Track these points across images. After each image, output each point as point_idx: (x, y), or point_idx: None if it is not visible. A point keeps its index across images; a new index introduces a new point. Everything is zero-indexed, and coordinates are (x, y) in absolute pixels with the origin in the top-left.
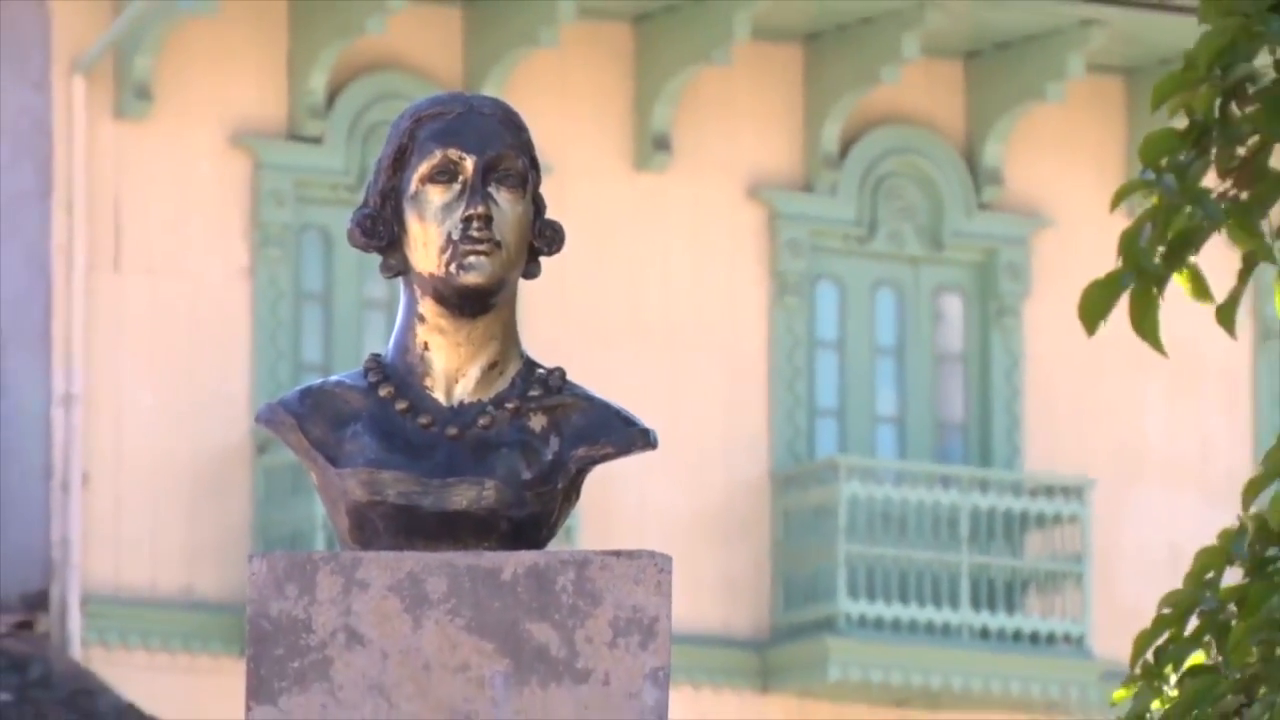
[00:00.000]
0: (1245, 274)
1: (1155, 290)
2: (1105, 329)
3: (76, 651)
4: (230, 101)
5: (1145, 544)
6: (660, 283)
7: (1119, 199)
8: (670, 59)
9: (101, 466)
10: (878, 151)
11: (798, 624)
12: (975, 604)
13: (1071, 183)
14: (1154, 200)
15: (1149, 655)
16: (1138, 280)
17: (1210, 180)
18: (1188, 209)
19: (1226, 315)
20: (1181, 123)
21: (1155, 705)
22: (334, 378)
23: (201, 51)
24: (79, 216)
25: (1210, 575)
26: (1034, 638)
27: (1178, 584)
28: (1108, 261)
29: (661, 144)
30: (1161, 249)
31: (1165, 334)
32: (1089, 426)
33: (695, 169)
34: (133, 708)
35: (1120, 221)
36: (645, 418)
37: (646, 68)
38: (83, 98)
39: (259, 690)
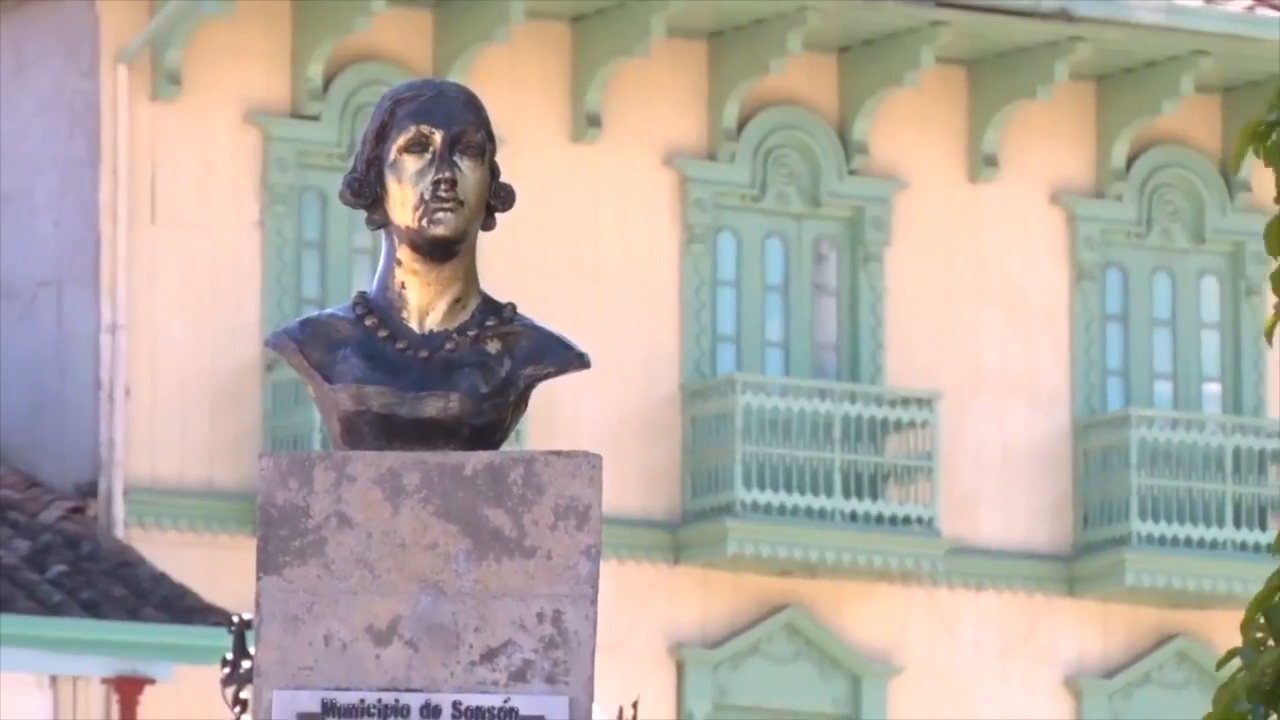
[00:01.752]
0: None
1: None
2: (949, 271)
3: (120, 532)
4: (244, 86)
5: (982, 443)
6: (591, 233)
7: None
8: (600, 52)
9: (140, 382)
10: (767, 128)
11: (702, 509)
12: (845, 493)
13: (924, 153)
14: None
15: None
16: None
17: None
18: None
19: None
20: None
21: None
22: (328, 310)
23: (221, 45)
24: (121, 179)
25: None
26: (892, 520)
27: (1010, 477)
28: (954, 217)
29: (593, 121)
30: None
31: (1001, 277)
32: (938, 350)
33: (620, 142)
34: (165, 577)
35: (963, 185)
36: (580, 342)
37: (581, 59)
38: (125, 83)
39: (267, 564)
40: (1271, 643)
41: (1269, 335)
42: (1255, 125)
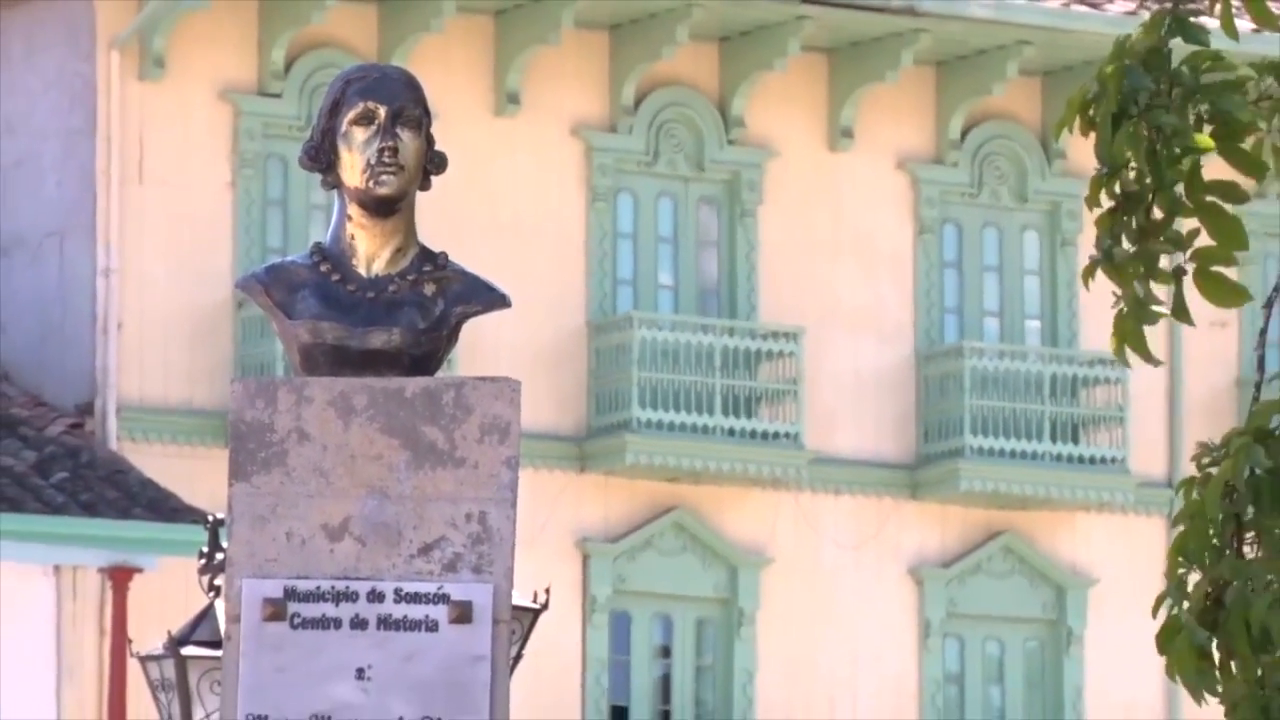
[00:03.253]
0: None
1: (1139, 314)
2: (811, 226)
3: (113, 444)
4: (218, 69)
5: (839, 371)
6: (511, 194)
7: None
8: (519, 41)
9: (130, 317)
10: (659, 105)
11: (605, 426)
12: (724, 412)
13: (790, 127)
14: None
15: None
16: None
17: None
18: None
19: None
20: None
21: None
22: (289, 258)
23: (199, 34)
24: (114, 147)
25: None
26: (764, 435)
27: (863, 398)
28: (816, 180)
29: (513, 99)
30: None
31: (854, 231)
32: (802, 292)
33: (535, 116)
34: (152, 482)
35: (824, 153)
36: (502, 285)
37: (503, 47)
38: (117, 66)
39: (237, 472)
40: (1193, 578)
41: (1086, 279)
42: (1083, 95)
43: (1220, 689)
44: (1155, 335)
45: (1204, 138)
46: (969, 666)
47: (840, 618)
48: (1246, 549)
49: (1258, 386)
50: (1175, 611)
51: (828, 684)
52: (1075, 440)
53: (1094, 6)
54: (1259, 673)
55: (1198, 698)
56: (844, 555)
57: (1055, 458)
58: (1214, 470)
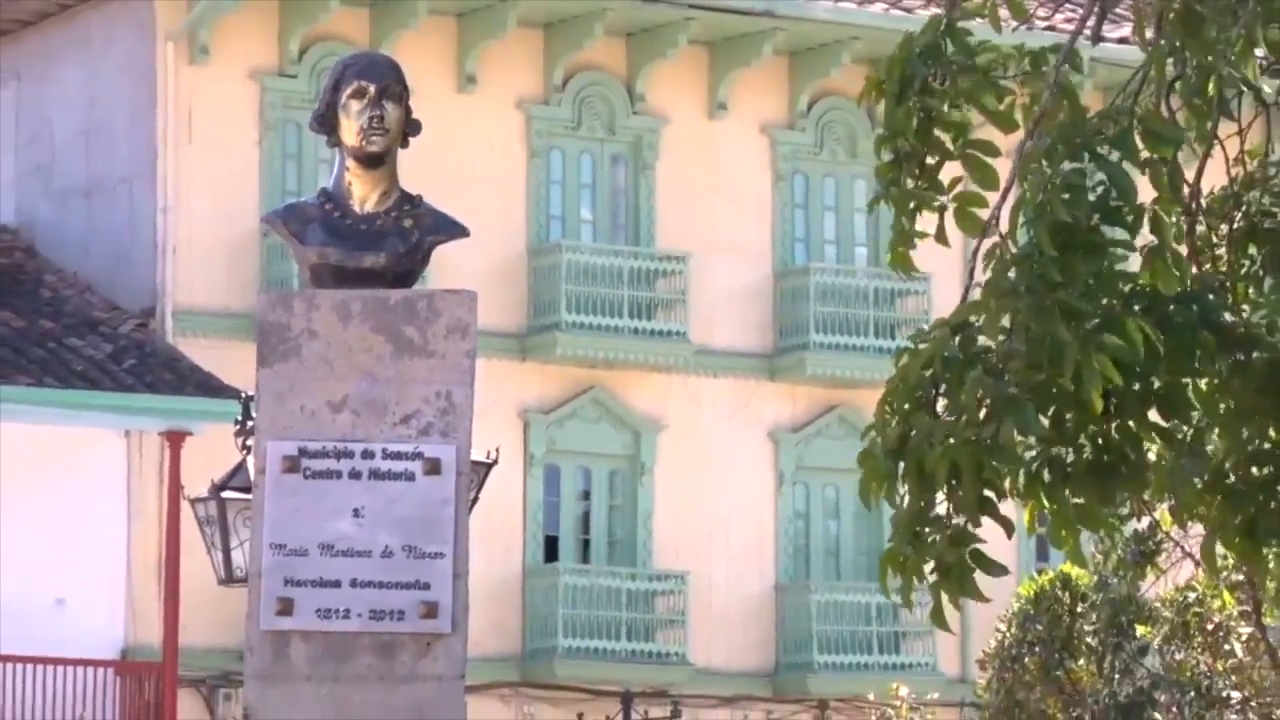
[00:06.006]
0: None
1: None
2: (697, 176)
3: (170, 339)
4: (248, 56)
5: (712, 286)
6: (469, 151)
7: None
8: (475, 36)
9: (182, 243)
10: (582, 85)
11: (540, 325)
12: (631, 316)
13: (680, 102)
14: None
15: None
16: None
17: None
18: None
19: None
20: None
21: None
22: (302, 199)
23: (234, 29)
24: (170, 115)
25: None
26: (660, 333)
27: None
28: (699, 142)
29: (471, 80)
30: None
31: (728, 179)
32: (688, 225)
33: (488, 93)
34: (199, 368)
35: (705, 121)
36: (462, 220)
37: (464, 40)
38: (172, 54)
39: (262, 360)
40: (895, 422)
41: (871, 209)
42: (876, 77)
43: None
44: (938, 251)
45: (964, 114)
46: (813, 506)
47: (716, 470)
48: (938, 410)
49: (966, 290)
50: (870, 442)
51: (707, 520)
52: (893, 336)
53: (907, 11)
54: (921, 504)
55: (867, 503)
56: (719, 423)
57: (878, 350)
58: (923, 346)
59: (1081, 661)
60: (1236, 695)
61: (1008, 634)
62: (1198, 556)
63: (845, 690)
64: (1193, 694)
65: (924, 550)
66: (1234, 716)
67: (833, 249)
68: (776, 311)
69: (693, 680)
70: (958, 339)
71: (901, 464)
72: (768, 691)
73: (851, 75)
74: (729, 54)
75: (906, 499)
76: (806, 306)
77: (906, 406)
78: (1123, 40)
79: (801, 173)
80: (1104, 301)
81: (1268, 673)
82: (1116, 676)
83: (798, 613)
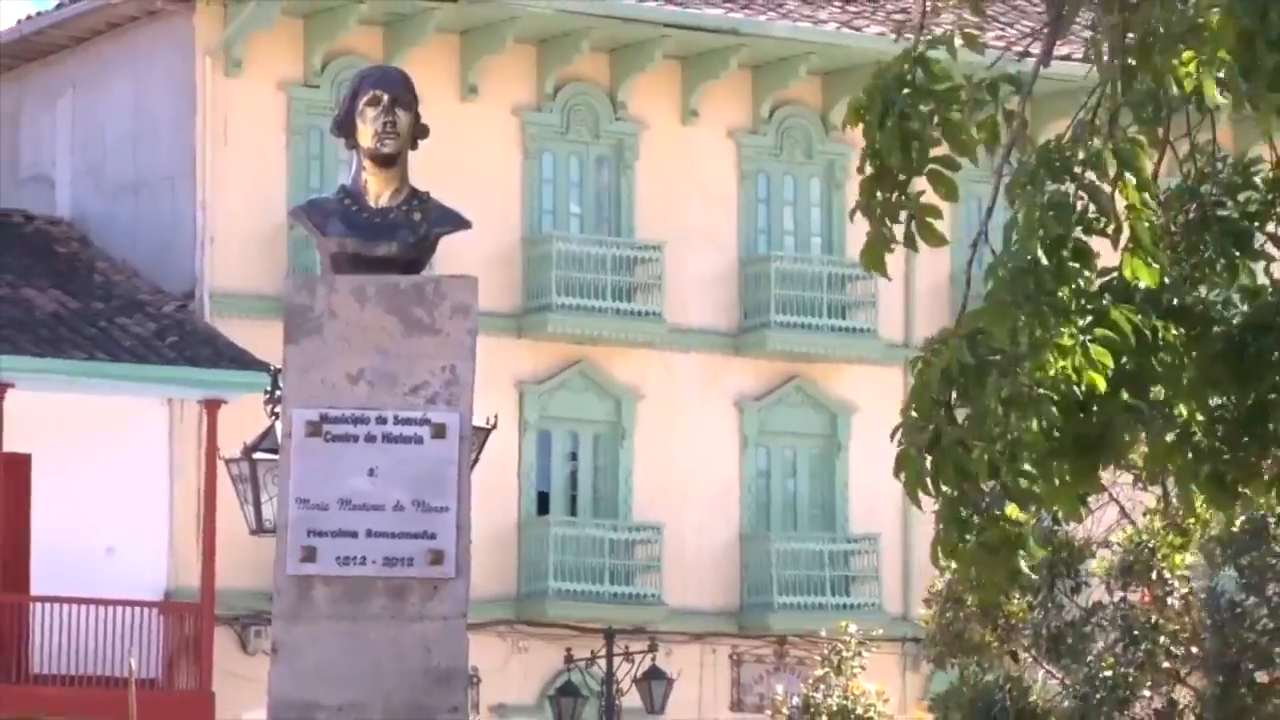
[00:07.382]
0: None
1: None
2: (668, 176)
3: (208, 318)
4: (277, 68)
5: (688, 271)
6: (471, 153)
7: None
8: (477, 50)
9: (220, 234)
10: (571, 94)
11: (534, 307)
12: (614, 299)
13: (657, 110)
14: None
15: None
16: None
17: None
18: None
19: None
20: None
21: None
22: (324, 194)
23: (265, 45)
24: (208, 121)
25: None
26: (640, 313)
27: (704, 289)
28: (674, 146)
29: (473, 90)
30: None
31: (697, 180)
32: (664, 218)
33: (488, 103)
34: (234, 344)
35: (679, 127)
36: (465, 213)
37: (467, 55)
38: (209, 67)
39: (289, 337)
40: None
41: (851, 216)
42: (858, 103)
43: (934, 499)
44: (899, 251)
45: (935, 136)
46: (774, 468)
47: (688, 435)
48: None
49: (965, 298)
50: (906, 446)
51: (680, 478)
52: (844, 317)
53: (857, 30)
54: (955, 493)
55: (916, 501)
56: (691, 393)
57: (831, 329)
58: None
59: (1018, 598)
60: (1167, 627)
61: (949, 572)
62: (1121, 502)
63: (801, 627)
64: (1121, 626)
65: (965, 530)
66: (1149, 645)
67: (791, 239)
68: (741, 294)
69: (668, 619)
70: (968, 348)
71: (929, 459)
72: (733, 628)
73: (808, 86)
74: (699, 67)
75: (943, 493)
76: (768, 290)
77: (930, 410)
78: (1064, 58)
79: (764, 172)
80: (1094, 301)
81: (1201, 614)
82: (1049, 608)
83: (759, 559)
